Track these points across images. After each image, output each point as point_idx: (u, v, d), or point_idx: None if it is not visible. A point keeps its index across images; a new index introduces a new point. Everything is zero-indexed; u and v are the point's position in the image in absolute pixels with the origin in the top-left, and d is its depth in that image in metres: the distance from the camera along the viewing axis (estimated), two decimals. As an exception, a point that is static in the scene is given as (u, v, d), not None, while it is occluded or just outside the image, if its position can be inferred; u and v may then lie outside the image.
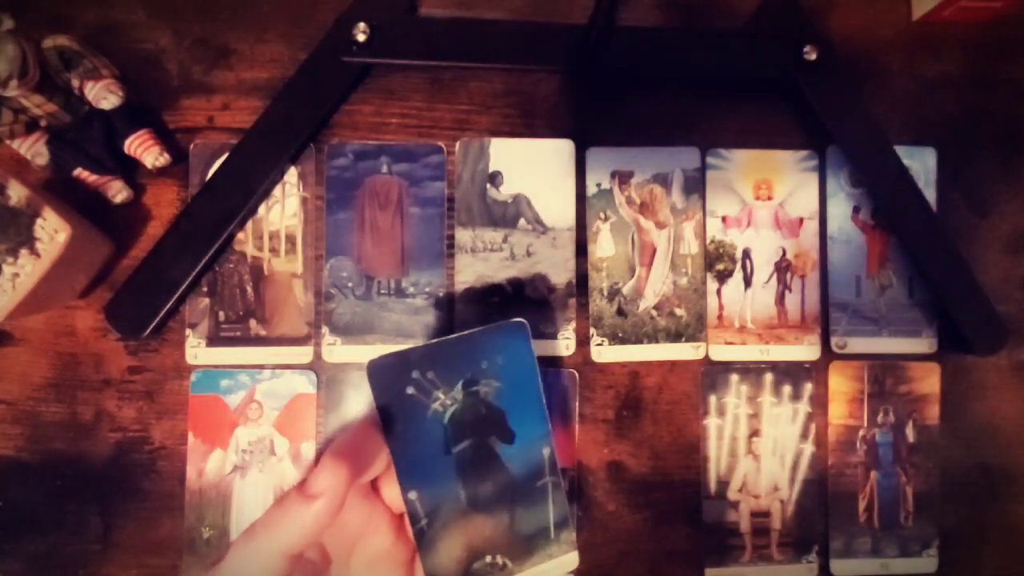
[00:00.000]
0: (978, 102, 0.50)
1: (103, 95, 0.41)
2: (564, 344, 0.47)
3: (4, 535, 0.44)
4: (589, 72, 0.46)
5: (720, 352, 0.48)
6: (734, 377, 0.48)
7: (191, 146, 0.46)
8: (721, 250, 0.48)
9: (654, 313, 0.47)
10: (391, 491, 0.28)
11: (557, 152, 0.47)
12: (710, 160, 0.48)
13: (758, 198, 0.48)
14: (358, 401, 0.47)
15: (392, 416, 0.28)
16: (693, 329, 0.47)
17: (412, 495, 0.28)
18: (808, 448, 0.48)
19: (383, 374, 0.28)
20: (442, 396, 0.28)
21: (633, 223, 0.47)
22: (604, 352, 0.47)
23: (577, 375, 0.47)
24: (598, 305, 0.47)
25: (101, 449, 0.45)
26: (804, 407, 0.48)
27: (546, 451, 0.29)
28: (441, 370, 0.28)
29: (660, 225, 0.48)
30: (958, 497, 0.49)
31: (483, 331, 0.29)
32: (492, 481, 0.29)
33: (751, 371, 0.48)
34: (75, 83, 0.41)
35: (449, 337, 0.28)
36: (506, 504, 0.29)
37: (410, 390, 0.28)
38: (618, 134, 0.48)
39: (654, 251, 0.47)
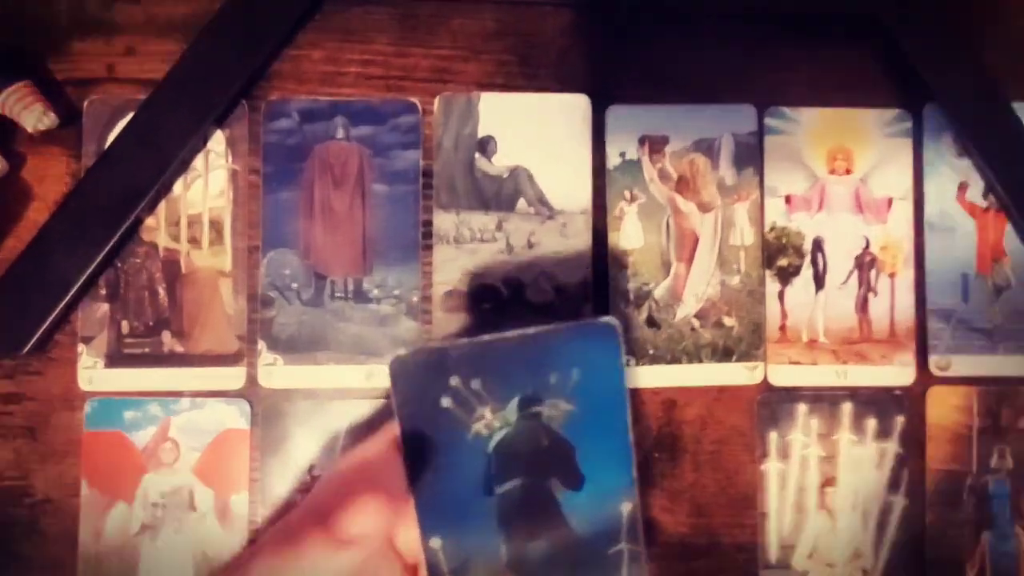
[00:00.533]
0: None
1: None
2: (577, 362, 0.43)
3: None
4: (610, 5, 0.45)
5: (783, 375, 0.45)
6: (801, 408, 0.45)
7: (85, 103, 0.43)
8: (784, 240, 0.45)
9: (696, 323, 0.45)
10: (406, 533, 0.27)
11: (568, 111, 0.45)
12: (770, 122, 0.45)
13: (833, 172, 0.46)
14: (307, 440, 0.42)
15: (418, 435, 0.26)
16: (747, 345, 0.44)
17: (435, 543, 0.26)
18: (899, 501, 0.44)
19: (411, 377, 0.26)
20: (488, 415, 0.27)
21: (668, 204, 0.45)
22: (630, 375, 0.44)
23: None
24: (622, 313, 0.44)
25: (-34, 503, 0.42)
26: (893, 447, 0.45)
27: (626, 507, 0.27)
28: (491, 379, 0.27)
29: (704, 207, 0.45)
30: (1096, 565, 0.45)
31: (557, 330, 0.27)
32: (546, 538, 0.27)
33: (824, 400, 0.45)
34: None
35: (507, 334, 0.26)
36: (562, 571, 0.27)
37: (446, 402, 0.26)
38: (648, 87, 0.45)
39: (696, 241, 0.45)
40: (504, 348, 0.27)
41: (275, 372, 0.43)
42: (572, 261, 0.44)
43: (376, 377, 0.42)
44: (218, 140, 0.43)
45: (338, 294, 0.43)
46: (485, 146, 0.44)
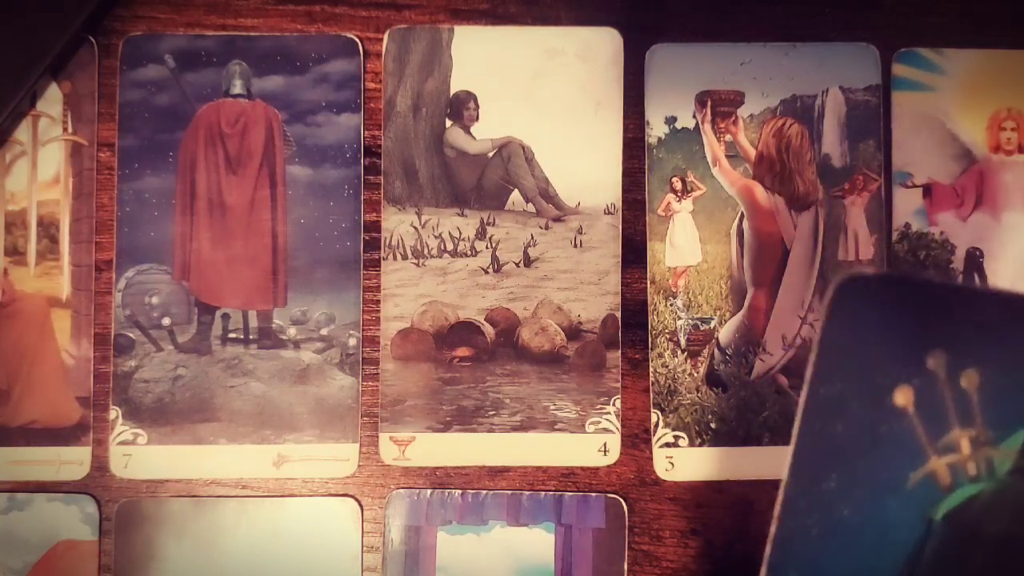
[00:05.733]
0: None
1: None
2: (597, 445, 0.42)
3: None
4: None
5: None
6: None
7: None
8: (924, 253, 0.43)
9: (784, 382, 0.43)
10: None
11: (588, 53, 0.43)
12: (900, 70, 0.43)
13: (999, 148, 0.43)
14: (184, 561, 0.39)
15: (822, 444, 0.24)
16: (864, 415, 0.41)
17: None
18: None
19: (861, 326, 0.24)
20: (966, 447, 0.24)
21: (742, 198, 0.43)
22: (682, 462, 0.42)
23: (625, 507, 0.42)
24: (669, 365, 0.41)
25: None
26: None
27: None
28: (1001, 378, 0.24)
29: (798, 202, 0.43)
30: None
31: None
32: None
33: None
34: None
35: None
36: None
37: (903, 397, 0.24)
38: (711, 18, 0.43)
39: (785, 255, 0.43)
40: None
41: (135, 455, 0.41)
42: (592, 286, 0.42)
43: (291, 464, 0.39)
44: (53, 98, 0.42)
45: (233, 335, 0.42)
46: (460, 109, 0.43)
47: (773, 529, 0.24)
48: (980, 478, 0.24)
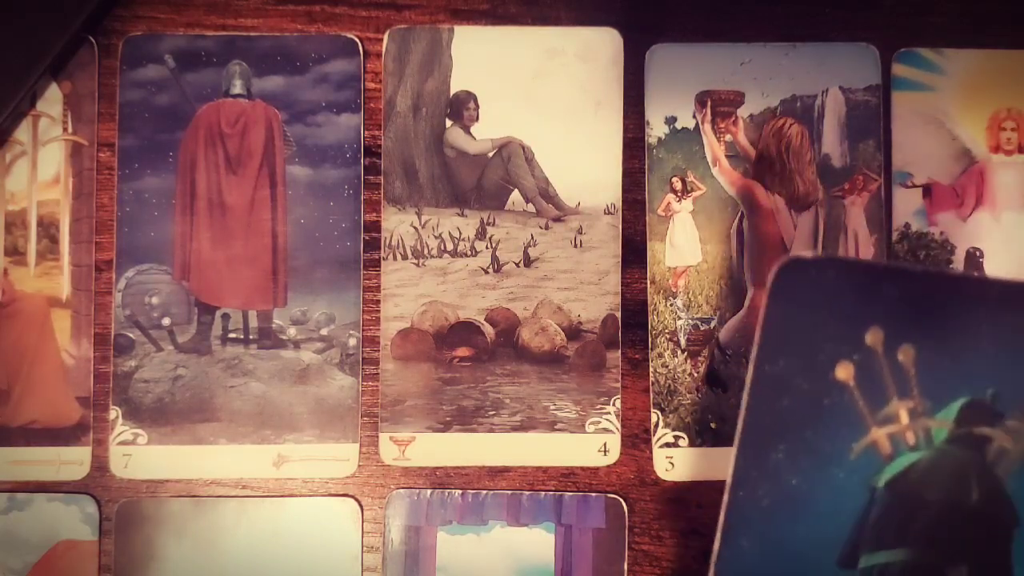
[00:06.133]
0: None
1: None
2: (597, 445, 0.42)
3: None
4: None
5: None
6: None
7: None
8: (924, 253, 0.43)
9: None
10: None
11: (588, 53, 0.43)
12: (900, 70, 0.43)
13: (999, 148, 0.43)
14: (184, 561, 0.39)
15: (767, 418, 0.25)
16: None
17: None
18: None
19: (801, 303, 0.24)
20: (904, 417, 0.25)
21: (742, 198, 0.43)
22: (682, 462, 0.42)
23: (625, 507, 0.42)
24: (669, 365, 0.41)
25: None
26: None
27: None
28: (934, 353, 0.24)
29: (798, 202, 0.43)
30: None
31: None
32: None
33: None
34: None
35: (991, 278, 0.25)
36: None
37: (843, 372, 0.25)
38: (712, 18, 0.43)
39: (785, 255, 0.40)
40: (980, 302, 0.25)
41: (135, 455, 0.41)
42: (593, 286, 0.42)
43: (291, 464, 0.39)
44: (53, 98, 0.42)
45: (234, 335, 0.42)
46: (460, 109, 0.43)
47: (725, 499, 0.25)
48: (919, 447, 0.25)
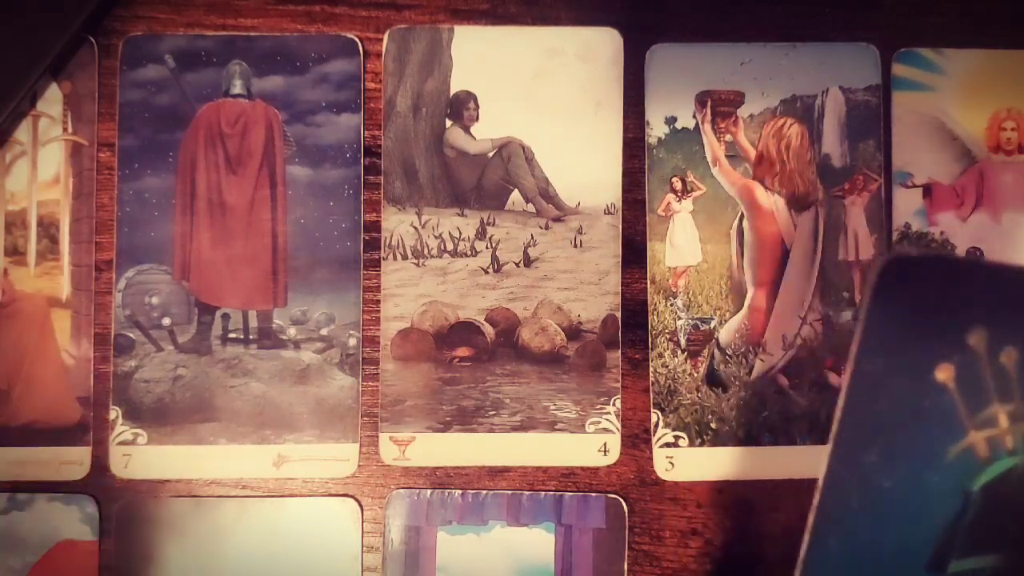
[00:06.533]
0: None
1: None
2: (597, 445, 0.42)
3: None
4: None
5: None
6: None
7: None
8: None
9: (784, 382, 0.43)
10: None
11: (588, 53, 0.44)
12: (900, 70, 0.43)
13: (999, 148, 0.44)
14: (184, 561, 0.39)
15: (867, 418, 0.24)
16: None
17: None
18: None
19: (905, 303, 0.24)
20: (1004, 421, 0.24)
21: (742, 198, 0.44)
22: (682, 462, 0.42)
23: (625, 507, 0.42)
24: (669, 365, 0.42)
25: None
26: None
27: None
28: None
29: (798, 203, 0.44)
30: None
31: None
32: None
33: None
34: None
35: None
36: None
37: (943, 374, 0.24)
38: (712, 18, 0.43)
39: (784, 255, 0.44)
40: None
41: (136, 455, 0.41)
42: (593, 286, 0.43)
43: (291, 464, 0.39)
44: (53, 98, 0.42)
45: (233, 335, 0.42)
46: (460, 109, 0.43)
47: (816, 499, 0.25)
48: (1017, 451, 0.25)
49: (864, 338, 0.25)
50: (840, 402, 0.25)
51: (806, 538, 0.25)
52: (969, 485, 0.25)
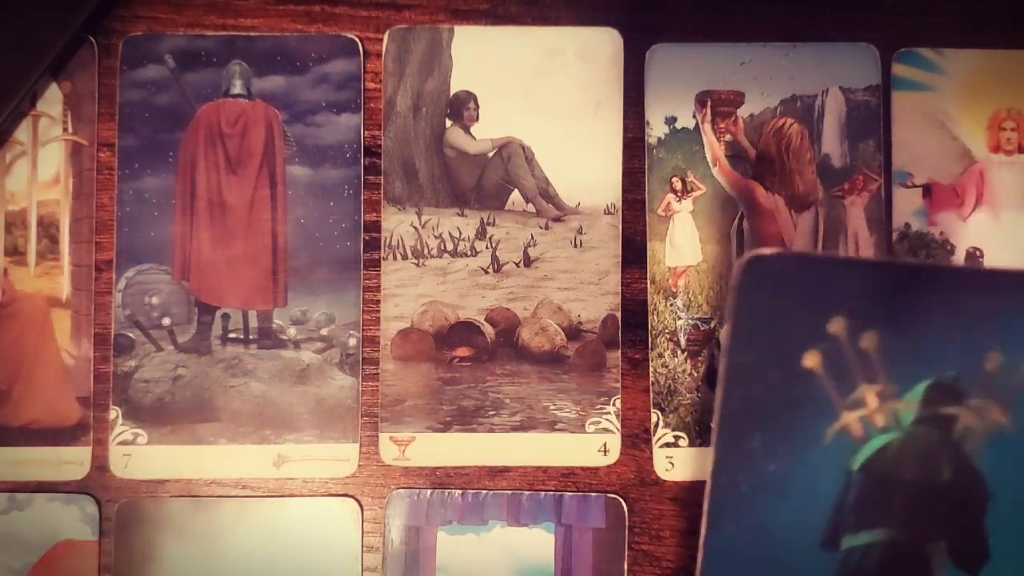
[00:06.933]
0: None
1: None
2: (597, 445, 0.41)
3: None
4: None
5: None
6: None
7: None
8: (924, 253, 0.43)
9: None
10: None
11: (588, 53, 0.43)
12: (900, 71, 0.43)
13: (999, 148, 0.43)
14: (184, 560, 0.39)
15: (741, 408, 0.25)
16: (864, 415, 0.41)
17: None
18: None
19: (767, 298, 0.25)
20: (873, 402, 0.25)
21: (742, 197, 0.43)
22: (682, 462, 0.42)
23: (625, 507, 0.41)
24: (669, 365, 0.41)
25: None
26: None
27: None
28: (898, 340, 0.25)
29: (798, 203, 0.43)
30: None
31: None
32: None
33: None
34: None
35: (946, 266, 0.27)
36: None
37: (811, 360, 0.25)
38: (712, 18, 0.43)
39: None
40: (935, 288, 0.25)
41: (136, 455, 0.41)
42: (592, 287, 0.42)
43: (291, 464, 0.39)
44: (53, 98, 0.42)
45: (234, 335, 0.42)
46: (460, 109, 0.43)
47: (708, 486, 0.26)
48: (889, 429, 0.25)
49: (734, 332, 0.26)
50: (718, 393, 0.26)
51: (704, 523, 0.26)
52: (849, 464, 0.26)
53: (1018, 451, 0.25)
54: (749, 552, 0.25)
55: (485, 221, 0.42)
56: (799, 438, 0.25)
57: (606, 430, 0.41)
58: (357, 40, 0.42)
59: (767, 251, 0.25)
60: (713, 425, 0.25)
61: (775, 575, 0.26)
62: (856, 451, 0.25)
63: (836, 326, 0.25)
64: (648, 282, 0.42)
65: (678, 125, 0.43)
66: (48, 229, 0.41)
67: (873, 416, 0.25)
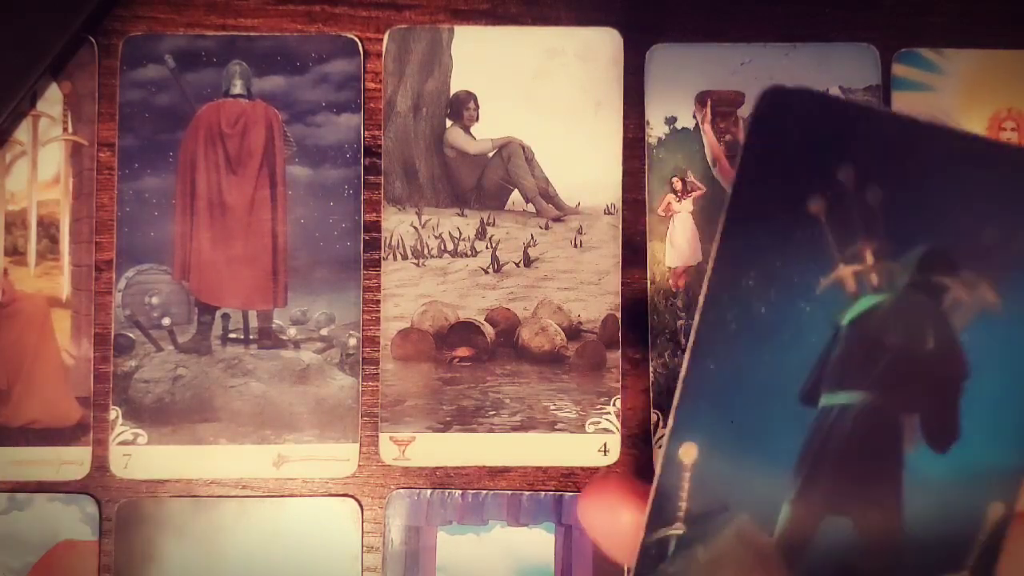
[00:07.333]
0: None
1: None
2: (597, 445, 0.41)
3: None
4: None
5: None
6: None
7: None
8: None
9: None
10: None
11: (588, 53, 0.43)
12: (900, 71, 0.43)
13: None
14: (184, 560, 0.39)
15: (742, 246, 0.24)
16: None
17: (687, 452, 0.24)
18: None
19: (785, 131, 0.24)
20: (869, 259, 0.24)
21: None
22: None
23: None
24: (669, 365, 0.41)
25: None
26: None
27: (996, 510, 0.24)
28: (903, 199, 0.25)
29: None
30: None
31: None
32: (858, 516, 0.25)
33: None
34: None
35: (936, 124, 0.25)
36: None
37: (816, 204, 0.25)
38: (712, 18, 0.43)
39: None
40: (950, 154, 0.24)
41: (136, 455, 0.41)
42: (593, 287, 0.42)
43: (291, 464, 0.39)
44: (53, 98, 0.42)
45: (234, 335, 0.42)
46: (460, 109, 0.43)
47: (696, 319, 0.24)
48: (882, 289, 0.24)
49: (743, 166, 0.25)
50: (720, 225, 0.25)
51: (687, 356, 0.25)
52: (838, 319, 0.25)
53: (1002, 334, 0.24)
54: (728, 392, 0.25)
55: (485, 221, 0.42)
56: (794, 284, 0.24)
57: (606, 430, 0.40)
58: (357, 40, 0.42)
59: (787, 85, 0.24)
60: (711, 257, 0.25)
61: (749, 420, 0.25)
62: (847, 306, 0.24)
63: (844, 173, 0.24)
64: (648, 282, 0.42)
65: (678, 125, 0.43)
66: (48, 229, 0.41)
67: (868, 273, 0.24)
